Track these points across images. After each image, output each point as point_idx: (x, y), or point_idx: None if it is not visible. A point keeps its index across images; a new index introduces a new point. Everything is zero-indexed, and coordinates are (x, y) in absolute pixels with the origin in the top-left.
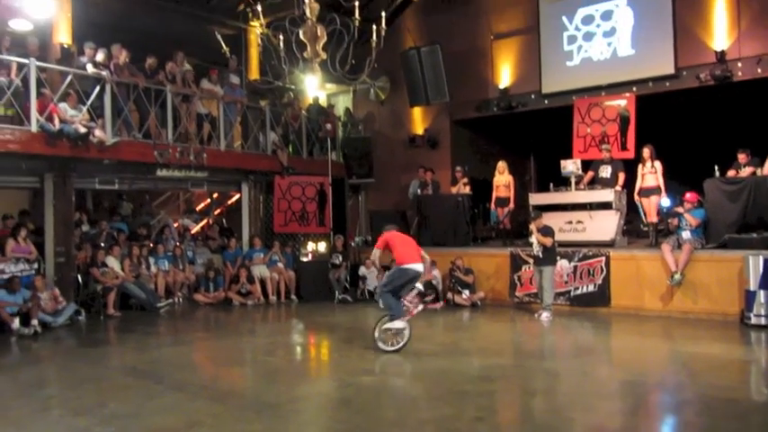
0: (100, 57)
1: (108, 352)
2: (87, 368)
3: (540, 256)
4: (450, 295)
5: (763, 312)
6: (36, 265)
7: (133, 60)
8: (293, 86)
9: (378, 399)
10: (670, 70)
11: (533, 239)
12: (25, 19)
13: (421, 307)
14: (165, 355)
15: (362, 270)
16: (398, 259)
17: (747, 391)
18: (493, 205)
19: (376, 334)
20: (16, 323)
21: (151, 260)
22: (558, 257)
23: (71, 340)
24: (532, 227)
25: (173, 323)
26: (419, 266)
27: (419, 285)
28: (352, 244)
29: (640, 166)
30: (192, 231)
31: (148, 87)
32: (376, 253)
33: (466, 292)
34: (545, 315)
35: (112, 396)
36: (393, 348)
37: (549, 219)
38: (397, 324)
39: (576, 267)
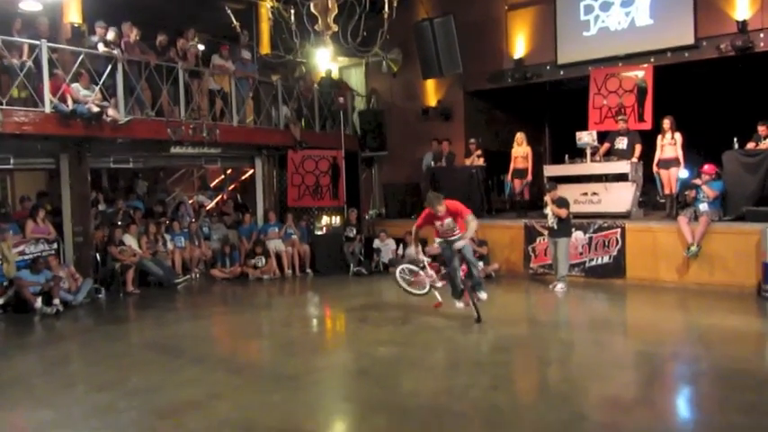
0: (111, 35)
1: (128, 328)
2: (109, 344)
3: (555, 227)
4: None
5: None
6: (55, 246)
7: (144, 38)
8: (305, 60)
9: (394, 369)
10: (689, 40)
11: (548, 211)
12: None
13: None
14: (185, 330)
15: (377, 243)
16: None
17: (763, 363)
18: (509, 177)
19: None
20: (39, 302)
21: (167, 237)
22: (573, 229)
23: (92, 318)
24: (547, 198)
25: (191, 298)
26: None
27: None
28: (366, 217)
29: (660, 137)
30: (207, 208)
31: (160, 65)
32: None
33: (480, 264)
34: (559, 286)
35: (134, 371)
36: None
37: (564, 190)
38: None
39: (591, 239)
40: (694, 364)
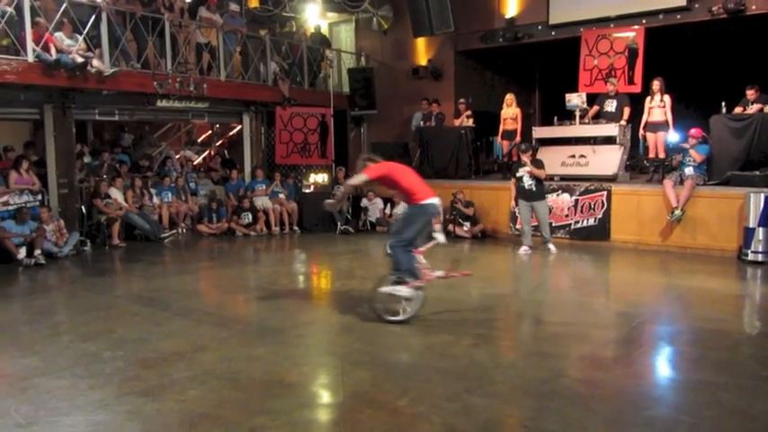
0: None
1: (114, 281)
2: (94, 296)
3: (534, 189)
4: (450, 227)
5: (760, 249)
6: (40, 197)
7: None
8: (293, 15)
9: (378, 326)
10: (681, 2)
11: (522, 173)
12: None
13: (441, 273)
14: (171, 284)
15: (364, 202)
16: (416, 194)
17: (739, 324)
18: (499, 138)
19: (378, 296)
20: (22, 253)
21: (154, 191)
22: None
23: (77, 270)
24: (525, 159)
25: (177, 253)
26: (437, 201)
27: (440, 236)
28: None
29: (648, 99)
30: (195, 163)
31: (146, 16)
32: (360, 178)
33: (467, 225)
34: (550, 247)
35: (120, 322)
36: (398, 318)
37: (553, 152)
38: (404, 291)
39: (576, 201)
40: (673, 324)
